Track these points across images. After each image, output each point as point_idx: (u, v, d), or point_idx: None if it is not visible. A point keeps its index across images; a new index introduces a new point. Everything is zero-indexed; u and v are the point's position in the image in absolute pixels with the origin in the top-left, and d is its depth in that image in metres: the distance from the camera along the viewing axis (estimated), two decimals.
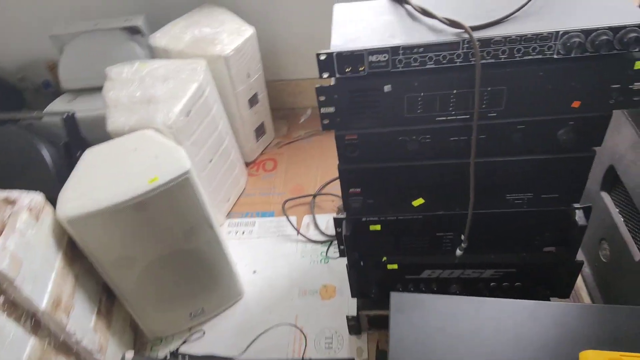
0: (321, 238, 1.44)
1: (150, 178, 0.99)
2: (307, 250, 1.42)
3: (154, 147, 1.10)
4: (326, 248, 1.41)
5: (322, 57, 0.71)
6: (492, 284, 1.01)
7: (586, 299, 1.12)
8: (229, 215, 1.58)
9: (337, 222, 0.93)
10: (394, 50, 0.69)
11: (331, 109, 0.76)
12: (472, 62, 0.69)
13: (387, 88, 0.73)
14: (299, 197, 1.59)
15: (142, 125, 1.18)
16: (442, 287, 1.02)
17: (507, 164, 0.80)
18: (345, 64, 0.71)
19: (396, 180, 0.85)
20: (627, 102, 0.70)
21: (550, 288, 1.00)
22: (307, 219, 1.52)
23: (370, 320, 1.14)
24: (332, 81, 0.74)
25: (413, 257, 0.98)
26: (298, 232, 1.47)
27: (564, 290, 0.99)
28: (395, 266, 1.00)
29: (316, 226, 1.48)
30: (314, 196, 1.59)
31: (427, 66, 0.70)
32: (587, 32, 0.65)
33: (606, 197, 1.01)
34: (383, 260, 1.00)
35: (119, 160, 1.08)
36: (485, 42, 0.67)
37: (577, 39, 0.65)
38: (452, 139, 0.78)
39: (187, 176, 1.02)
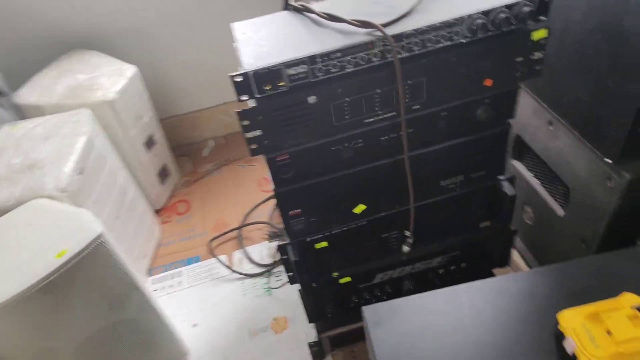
0: (258, 270, 1.37)
1: (58, 252, 0.85)
2: (246, 286, 1.34)
3: (53, 217, 0.96)
4: (266, 279, 1.34)
5: (238, 79, 0.65)
6: (440, 270, 1.03)
7: (520, 262, 1.19)
8: (149, 271, 1.43)
9: (282, 249, 0.88)
10: (311, 59, 0.66)
11: (257, 132, 0.71)
12: (390, 59, 0.69)
13: (311, 99, 0.70)
14: (224, 234, 1.50)
15: (30, 195, 1.02)
16: (396, 287, 1.02)
17: (436, 153, 0.82)
18: (263, 82, 0.66)
19: (336, 192, 0.82)
20: (530, 72, 0.75)
21: (491, 260, 1.04)
22: (238, 254, 1.43)
23: (332, 340, 1.10)
24: (252, 103, 0.70)
25: (363, 265, 0.96)
26: (232, 270, 1.38)
27: (502, 260, 1.04)
28: (348, 279, 0.97)
29: (250, 259, 1.40)
30: (240, 229, 1.50)
31: (347, 70, 0.69)
32: (487, 13, 0.68)
33: (518, 164, 1.08)
34: (334, 275, 0.96)
35: (12, 241, 0.92)
36: (398, 37, 0.68)
37: (479, 21, 0.68)
38: (383, 138, 0.77)
39: (101, 240, 0.90)
